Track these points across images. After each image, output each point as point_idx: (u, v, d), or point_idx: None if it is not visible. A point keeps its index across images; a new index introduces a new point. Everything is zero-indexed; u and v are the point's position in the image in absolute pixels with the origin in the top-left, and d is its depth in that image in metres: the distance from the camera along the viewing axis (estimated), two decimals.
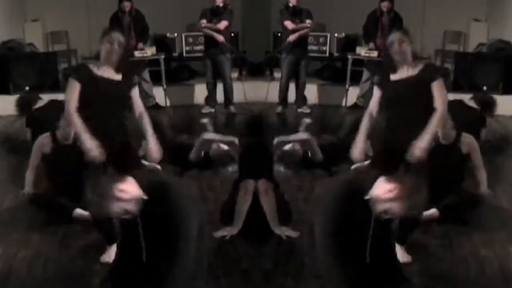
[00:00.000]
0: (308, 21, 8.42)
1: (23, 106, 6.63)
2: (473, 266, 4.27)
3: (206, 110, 8.76)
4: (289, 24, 8.41)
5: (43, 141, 5.17)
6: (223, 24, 8.41)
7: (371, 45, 8.62)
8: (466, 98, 6.83)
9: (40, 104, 6.66)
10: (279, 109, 8.68)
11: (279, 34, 9.36)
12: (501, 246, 4.57)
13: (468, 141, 5.13)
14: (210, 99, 8.81)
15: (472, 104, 6.61)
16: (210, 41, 8.50)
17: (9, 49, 8.82)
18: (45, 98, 6.87)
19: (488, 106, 6.64)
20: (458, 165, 5.09)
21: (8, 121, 7.82)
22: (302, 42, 8.54)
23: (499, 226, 4.92)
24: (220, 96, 8.79)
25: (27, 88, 8.26)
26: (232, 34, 9.40)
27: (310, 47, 9.07)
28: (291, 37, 8.37)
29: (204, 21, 8.42)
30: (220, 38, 8.38)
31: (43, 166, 5.20)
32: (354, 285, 3.14)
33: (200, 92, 9.06)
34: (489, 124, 6.71)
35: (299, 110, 8.78)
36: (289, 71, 8.57)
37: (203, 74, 8.87)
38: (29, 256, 4.38)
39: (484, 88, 8.39)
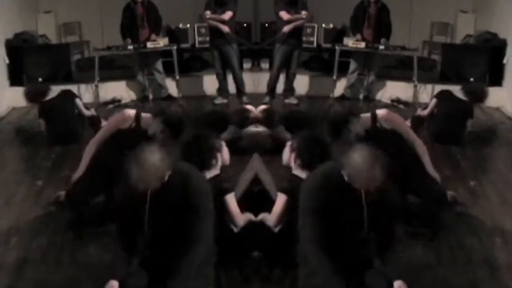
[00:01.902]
0: (303, 12, 8.17)
1: (33, 97, 6.56)
2: (459, 256, 4.23)
3: (218, 101, 8.53)
4: (284, 15, 8.13)
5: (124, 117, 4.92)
6: (227, 15, 8.16)
7: (359, 36, 8.41)
8: (453, 89, 6.76)
9: (51, 95, 6.59)
10: (266, 99, 8.36)
11: (266, 25, 9.16)
12: (487, 235, 4.53)
13: (385, 116, 4.79)
14: (222, 89, 8.57)
15: (460, 95, 6.53)
16: (215, 32, 8.27)
17: (22, 41, 8.63)
18: (58, 89, 6.82)
19: (477, 96, 6.54)
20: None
21: (22, 112, 7.73)
22: (296, 32, 8.27)
23: (485, 215, 4.86)
24: (232, 87, 8.59)
25: (40, 79, 8.15)
26: (245, 25, 9.22)
27: None
28: (286, 28, 8.11)
29: (208, 12, 8.23)
30: (225, 28, 8.15)
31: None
32: (340, 273, 3.11)
33: (212, 83, 8.82)
34: (475, 116, 6.64)
35: (286, 100, 8.53)
36: (282, 61, 8.31)
37: (214, 65, 8.66)
38: (43, 244, 4.35)
39: (471, 79, 8.29)
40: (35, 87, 6.98)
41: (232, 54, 8.28)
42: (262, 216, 3.98)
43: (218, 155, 4.11)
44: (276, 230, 3.97)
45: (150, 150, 3.22)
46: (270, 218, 3.97)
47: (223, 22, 8.16)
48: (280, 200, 3.96)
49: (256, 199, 4.24)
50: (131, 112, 4.94)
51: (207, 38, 9.01)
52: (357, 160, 3.15)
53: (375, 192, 3.15)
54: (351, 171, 3.15)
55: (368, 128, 4.72)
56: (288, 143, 4.15)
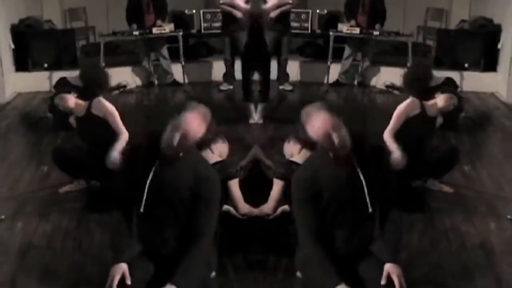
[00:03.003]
0: None
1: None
2: (454, 241, 4.16)
3: (224, 87, 8.33)
4: (270, 0, 7.90)
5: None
6: (241, 0, 7.92)
7: (353, 22, 8.23)
8: (447, 75, 6.67)
9: None
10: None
11: None
12: (482, 221, 4.46)
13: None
14: (228, 76, 8.35)
15: None
16: (228, 18, 7.98)
17: (27, 26, 8.46)
18: (64, 75, 6.74)
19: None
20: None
21: (27, 98, 7.65)
22: (283, 18, 7.97)
23: (480, 201, 4.79)
24: (238, 73, 8.23)
25: (45, 65, 8.04)
26: None
27: (292, 24, 8.56)
28: (272, 13, 7.78)
29: None
30: (239, 14, 7.82)
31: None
32: (334, 260, 3.05)
33: (218, 69, 8.64)
34: (470, 101, 6.58)
35: (280, 87, 8.28)
36: (270, 48, 7.83)
37: (221, 51, 8.43)
38: (48, 230, 4.29)
39: (466, 65, 8.20)
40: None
41: (244, 40, 8.06)
42: (260, 208, 3.93)
43: (212, 144, 4.03)
44: (272, 216, 3.92)
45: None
46: (268, 205, 3.92)
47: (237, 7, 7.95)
48: (277, 186, 3.91)
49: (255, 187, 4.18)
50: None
51: (213, 24, 8.86)
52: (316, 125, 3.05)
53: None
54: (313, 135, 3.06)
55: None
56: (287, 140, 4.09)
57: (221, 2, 7.96)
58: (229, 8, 7.91)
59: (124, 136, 4.66)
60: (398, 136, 4.68)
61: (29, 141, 6.34)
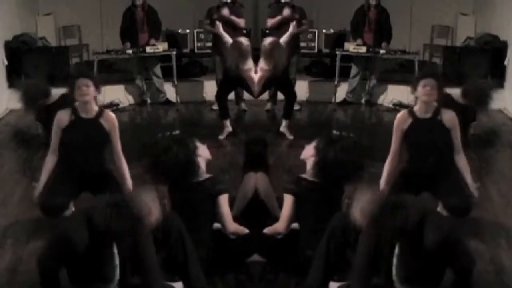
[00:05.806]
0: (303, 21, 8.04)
1: (31, 99, 6.39)
2: None
3: (216, 106, 8.15)
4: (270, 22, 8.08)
5: (61, 117, 4.67)
6: (242, 21, 8.09)
7: (359, 40, 8.33)
8: (454, 92, 6.66)
9: (51, 99, 6.47)
10: (268, 106, 8.19)
11: (266, 31, 9.09)
12: (492, 238, 4.46)
13: (449, 116, 4.50)
14: None
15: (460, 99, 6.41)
16: (218, 38, 7.93)
17: (22, 43, 8.56)
18: (57, 92, 6.73)
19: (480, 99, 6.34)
20: (444, 139, 4.49)
21: (20, 114, 7.62)
22: (294, 39, 7.87)
23: (490, 218, 4.78)
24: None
25: None
26: (245, 31, 9.14)
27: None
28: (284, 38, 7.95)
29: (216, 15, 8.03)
30: (241, 23, 8.07)
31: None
32: None
33: (211, 88, 8.63)
34: (478, 118, 6.55)
35: None
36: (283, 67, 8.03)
37: (214, 70, 8.47)
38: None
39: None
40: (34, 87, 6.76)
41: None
42: (272, 228, 3.91)
43: (199, 159, 4.00)
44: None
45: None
46: (280, 224, 3.89)
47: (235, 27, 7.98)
48: (288, 202, 3.89)
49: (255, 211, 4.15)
50: None
51: (206, 44, 8.97)
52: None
53: None
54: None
55: None
56: (313, 144, 4.04)
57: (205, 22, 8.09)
58: (210, 28, 8.01)
59: (124, 166, 4.61)
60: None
61: (20, 157, 6.35)
